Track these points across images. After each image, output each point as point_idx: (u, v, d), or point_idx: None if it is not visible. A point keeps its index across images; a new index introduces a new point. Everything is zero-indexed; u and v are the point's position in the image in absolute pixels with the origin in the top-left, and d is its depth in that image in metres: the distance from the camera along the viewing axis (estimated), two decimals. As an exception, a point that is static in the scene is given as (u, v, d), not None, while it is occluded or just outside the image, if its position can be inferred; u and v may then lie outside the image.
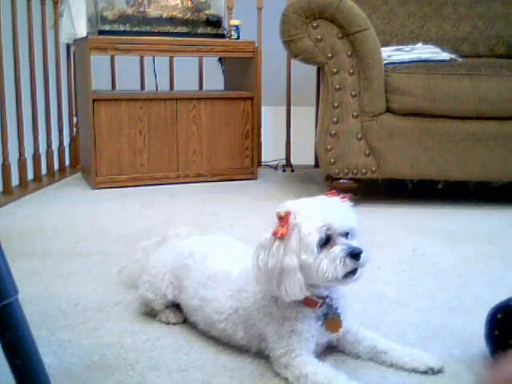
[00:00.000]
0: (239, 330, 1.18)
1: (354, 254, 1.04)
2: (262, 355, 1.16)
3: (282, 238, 1.05)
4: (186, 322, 1.33)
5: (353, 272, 1.05)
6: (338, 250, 1.04)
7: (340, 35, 2.37)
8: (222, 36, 3.04)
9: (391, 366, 1.14)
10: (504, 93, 2.35)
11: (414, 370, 1.11)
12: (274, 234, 1.06)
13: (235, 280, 1.20)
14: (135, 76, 3.40)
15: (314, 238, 1.03)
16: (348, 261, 1.03)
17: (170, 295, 1.32)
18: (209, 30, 3.03)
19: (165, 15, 2.96)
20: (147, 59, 3.34)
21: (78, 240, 2.00)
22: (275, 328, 1.10)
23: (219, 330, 1.21)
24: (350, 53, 2.37)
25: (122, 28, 2.88)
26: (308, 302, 1.11)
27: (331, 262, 1.03)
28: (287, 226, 1.05)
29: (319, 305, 1.12)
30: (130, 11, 2.89)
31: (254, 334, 1.16)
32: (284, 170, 3.36)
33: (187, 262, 1.29)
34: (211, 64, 3.37)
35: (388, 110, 2.40)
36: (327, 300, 1.12)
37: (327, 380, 1.03)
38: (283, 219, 1.06)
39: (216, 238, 1.37)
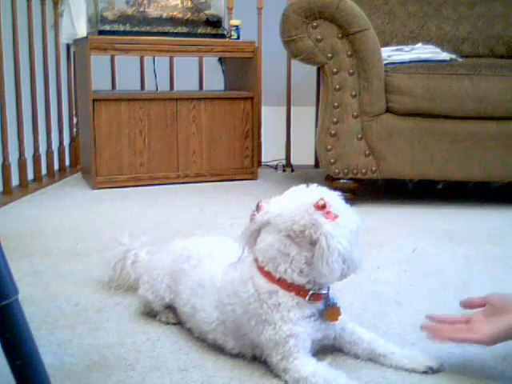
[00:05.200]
0: (229, 340, 1.16)
1: None
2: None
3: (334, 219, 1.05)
4: (185, 322, 1.33)
5: None
6: None
7: (340, 35, 2.37)
8: (222, 36, 3.04)
9: (390, 367, 1.13)
10: (504, 93, 2.35)
11: (414, 371, 1.11)
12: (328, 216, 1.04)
13: (217, 291, 1.17)
14: (135, 76, 3.40)
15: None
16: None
17: (167, 298, 1.31)
18: (209, 30, 3.03)
19: (165, 15, 2.96)
20: (147, 59, 3.34)
21: (78, 240, 2.00)
22: (269, 335, 1.08)
23: (210, 339, 1.20)
24: (350, 53, 2.37)
25: (121, 28, 2.88)
26: (315, 297, 1.10)
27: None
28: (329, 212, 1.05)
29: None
30: (129, 11, 2.89)
31: (246, 343, 1.14)
32: (284, 170, 3.36)
33: (183, 266, 1.27)
34: (211, 64, 3.37)
35: (388, 110, 2.40)
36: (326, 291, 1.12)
37: (327, 382, 1.02)
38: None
39: (217, 241, 1.35)
